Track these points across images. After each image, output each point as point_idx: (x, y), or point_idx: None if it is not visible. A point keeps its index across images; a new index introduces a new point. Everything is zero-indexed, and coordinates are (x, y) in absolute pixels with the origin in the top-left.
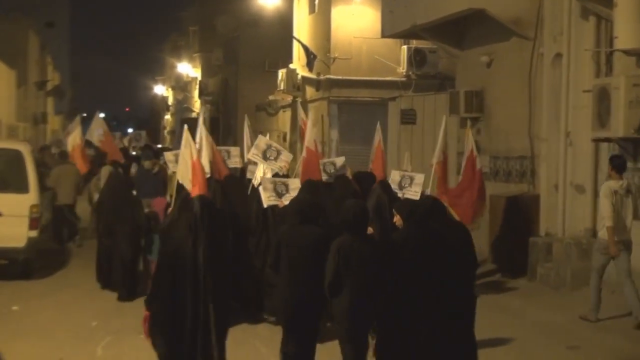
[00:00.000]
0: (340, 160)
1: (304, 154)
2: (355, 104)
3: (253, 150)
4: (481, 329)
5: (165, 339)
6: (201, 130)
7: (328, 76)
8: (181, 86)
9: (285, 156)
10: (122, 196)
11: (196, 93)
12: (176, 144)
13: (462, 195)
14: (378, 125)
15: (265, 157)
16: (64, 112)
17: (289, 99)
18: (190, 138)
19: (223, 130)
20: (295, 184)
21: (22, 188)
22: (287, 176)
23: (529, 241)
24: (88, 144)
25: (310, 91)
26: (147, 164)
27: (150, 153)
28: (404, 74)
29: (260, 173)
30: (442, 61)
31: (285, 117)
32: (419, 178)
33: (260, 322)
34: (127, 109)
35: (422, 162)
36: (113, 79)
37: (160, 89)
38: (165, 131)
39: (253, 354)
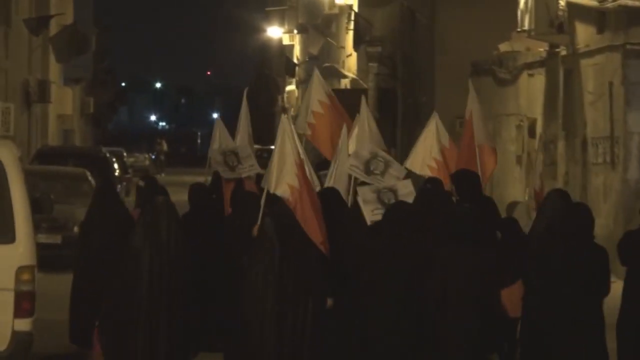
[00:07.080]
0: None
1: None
2: None
3: (352, 160)
4: None
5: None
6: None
7: (623, 2)
8: (318, 26)
9: (397, 170)
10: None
11: (350, 39)
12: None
13: None
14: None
15: (367, 171)
16: (86, 79)
17: (542, 49)
18: (290, 130)
19: (404, 111)
20: (407, 189)
21: (2, 234)
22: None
23: None
24: None
25: (585, 33)
26: None
27: None
28: None
29: None
30: None
31: (533, 86)
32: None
33: None
34: (208, 73)
35: None
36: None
37: (276, 32)
38: (288, 115)
39: None
